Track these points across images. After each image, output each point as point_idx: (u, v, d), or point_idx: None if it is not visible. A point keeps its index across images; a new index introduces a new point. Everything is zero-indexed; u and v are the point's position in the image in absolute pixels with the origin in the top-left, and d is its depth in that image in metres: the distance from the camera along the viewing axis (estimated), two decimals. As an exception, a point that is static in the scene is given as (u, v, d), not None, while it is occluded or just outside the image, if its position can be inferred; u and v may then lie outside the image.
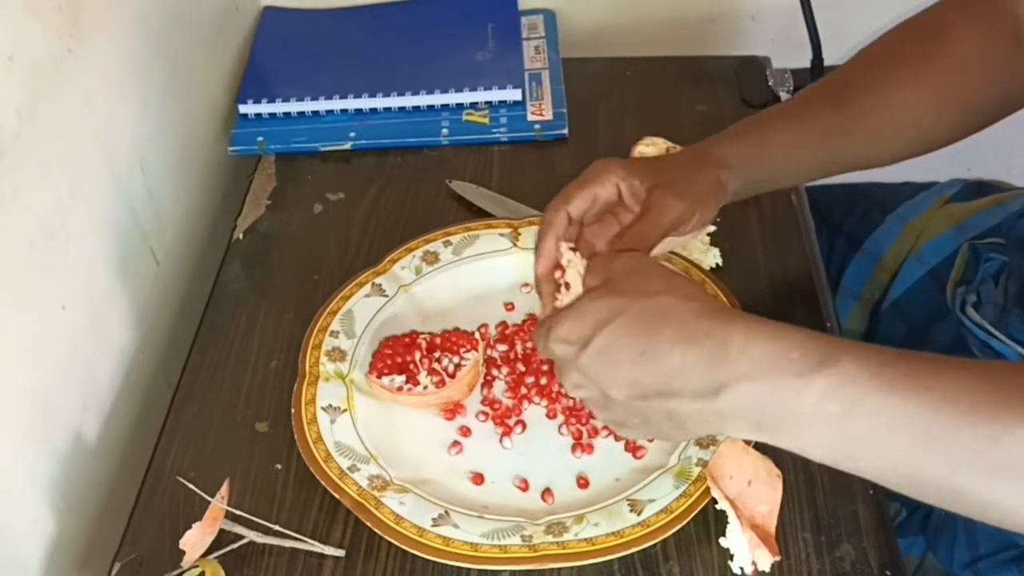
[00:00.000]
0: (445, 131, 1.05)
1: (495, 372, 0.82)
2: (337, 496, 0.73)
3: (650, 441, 0.77)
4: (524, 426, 0.79)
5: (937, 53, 0.79)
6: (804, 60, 1.10)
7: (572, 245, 0.70)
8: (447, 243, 0.90)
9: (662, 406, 0.60)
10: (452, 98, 1.06)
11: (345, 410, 0.78)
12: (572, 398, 0.79)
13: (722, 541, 0.71)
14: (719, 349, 0.57)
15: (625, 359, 0.60)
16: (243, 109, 1.06)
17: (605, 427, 0.78)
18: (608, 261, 0.65)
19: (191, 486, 0.74)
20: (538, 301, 0.79)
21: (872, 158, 0.81)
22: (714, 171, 0.75)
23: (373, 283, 0.87)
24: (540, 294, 0.71)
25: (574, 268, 0.68)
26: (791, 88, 1.08)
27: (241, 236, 0.96)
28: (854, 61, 0.82)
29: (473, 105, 1.07)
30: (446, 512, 0.72)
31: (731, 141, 0.78)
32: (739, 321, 0.58)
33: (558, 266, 0.69)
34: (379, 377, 0.79)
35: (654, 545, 0.70)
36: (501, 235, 0.90)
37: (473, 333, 0.84)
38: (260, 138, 1.05)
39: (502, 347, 0.84)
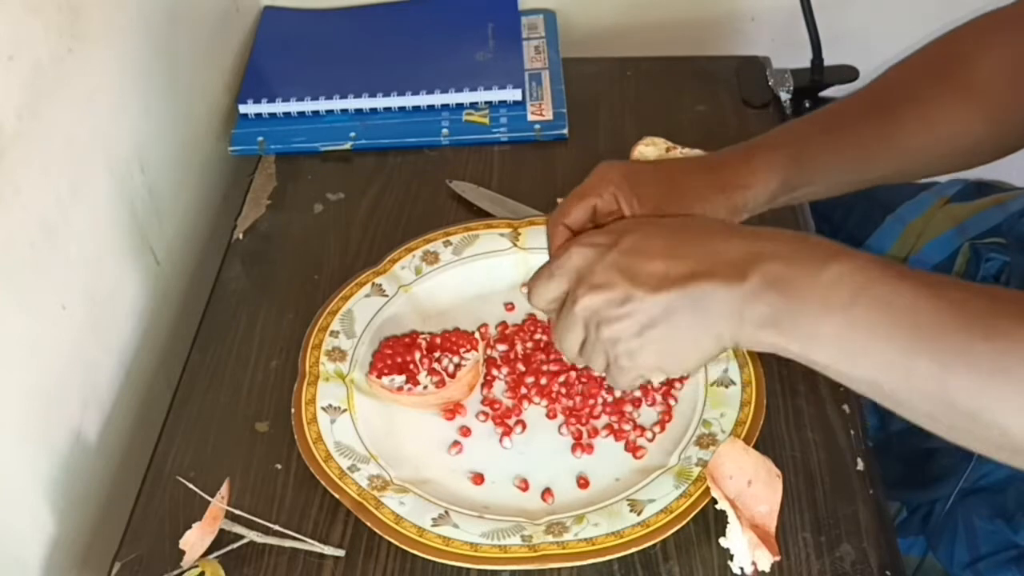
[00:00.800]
0: (445, 131, 1.05)
1: (495, 372, 0.82)
2: (337, 496, 0.73)
3: (650, 391, 0.79)
4: (524, 426, 0.79)
5: (972, 74, 0.77)
6: (804, 60, 1.10)
7: None
8: (447, 243, 0.90)
9: (690, 293, 0.61)
10: (452, 98, 1.06)
11: (345, 410, 0.78)
12: (572, 398, 0.79)
13: (722, 541, 0.71)
14: (751, 235, 0.62)
15: (657, 249, 0.63)
16: (243, 109, 1.06)
17: (606, 413, 0.78)
18: (614, 224, 0.67)
19: (191, 486, 0.74)
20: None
21: (904, 170, 0.80)
22: (730, 196, 0.73)
23: (373, 283, 0.87)
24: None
25: None
26: (791, 88, 1.08)
27: (241, 236, 0.96)
28: (890, 76, 0.80)
29: (473, 105, 1.07)
30: (446, 512, 0.72)
31: (755, 162, 0.75)
32: (766, 226, 0.64)
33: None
34: (379, 377, 0.79)
35: (654, 545, 0.70)
36: (501, 235, 0.90)
37: (473, 333, 0.84)
38: (260, 138, 1.05)
39: (502, 347, 0.84)
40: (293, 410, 0.78)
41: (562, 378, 0.81)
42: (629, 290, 0.62)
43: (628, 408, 0.79)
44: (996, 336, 0.54)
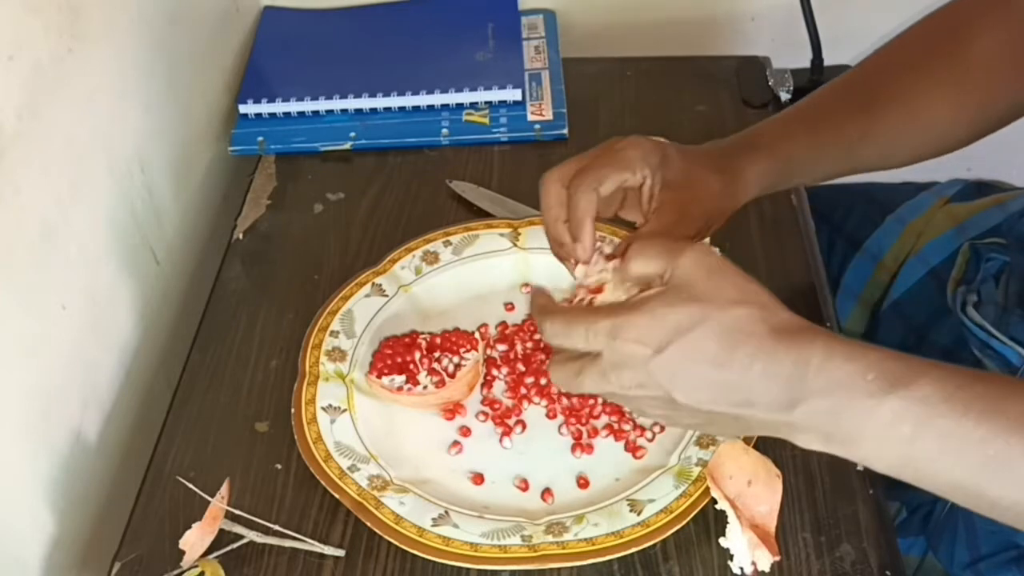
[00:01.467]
0: (445, 131, 1.05)
1: (495, 372, 0.82)
2: (337, 496, 0.73)
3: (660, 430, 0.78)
4: (524, 426, 0.79)
5: (959, 55, 0.78)
6: (804, 60, 1.10)
7: (609, 254, 0.67)
8: (447, 243, 0.90)
9: (733, 413, 0.59)
10: (452, 98, 1.06)
11: (345, 410, 0.78)
12: (572, 399, 0.79)
13: (722, 541, 0.71)
14: (798, 365, 0.57)
15: (703, 370, 0.58)
16: (243, 109, 1.06)
17: (611, 412, 0.78)
18: (671, 253, 0.60)
19: (191, 486, 0.74)
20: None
21: (886, 160, 0.81)
22: (730, 193, 0.75)
23: (373, 283, 0.87)
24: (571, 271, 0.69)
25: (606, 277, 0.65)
26: (791, 88, 1.08)
27: (241, 236, 0.96)
28: (874, 63, 0.81)
29: (473, 105, 1.07)
30: (446, 512, 0.72)
31: (751, 156, 0.76)
32: (818, 339, 0.58)
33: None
34: (379, 377, 0.79)
35: (654, 545, 0.70)
36: (501, 235, 0.90)
37: (473, 333, 0.84)
38: (260, 138, 1.05)
39: (502, 347, 0.84)
40: (293, 410, 0.78)
41: (562, 378, 0.81)
42: (670, 396, 0.59)
43: (628, 408, 0.79)
44: None
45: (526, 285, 0.89)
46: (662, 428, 0.78)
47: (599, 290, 0.65)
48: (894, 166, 0.82)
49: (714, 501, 0.71)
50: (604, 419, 0.79)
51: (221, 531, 0.72)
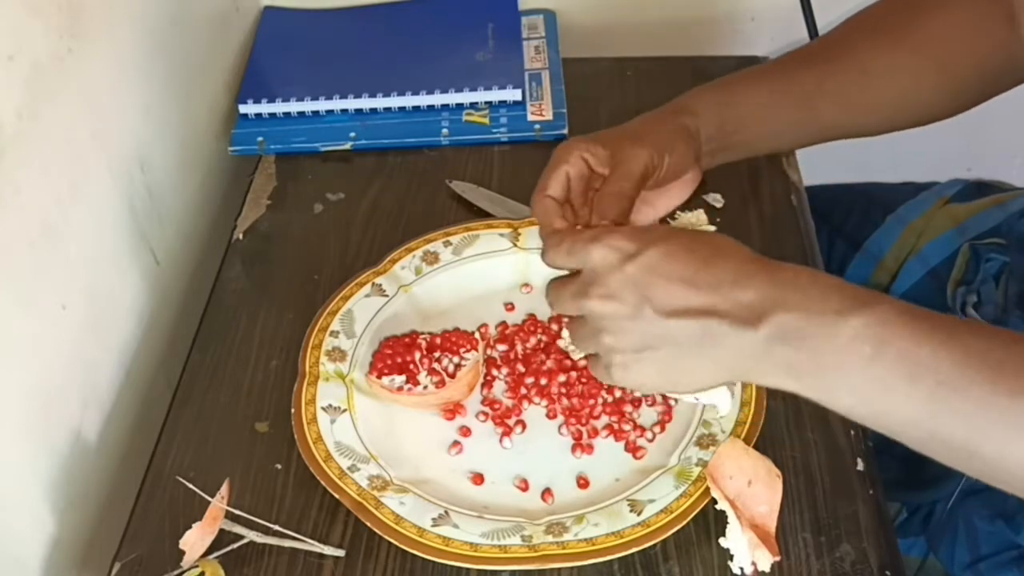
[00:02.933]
0: (445, 131, 1.05)
1: (495, 372, 0.82)
2: (337, 496, 0.73)
3: (649, 402, 0.78)
4: (524, 426, 0.79)
5: (920, 22, 0.78)
6: (804, 60, 1.10)
7: None
8: (447, 243, 0.90)
9: (700, 326, 0.60)
10: (452, 98, 1.06)
11: (345, 410, 0.78)
12: (572, 399, 0.79)
13: (722, 541, 0.71)
14: (769, 278, 0.60)
15: (677, 274, 0.61)
16: (243, 109, 1.06)
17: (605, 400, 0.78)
18: (642, 231, 0.65)
19: (191, 486, 0.74)
20: (537, 301, 0.79)
21: (857, 126, 0.81)
22: (676, 117, 0.75)
23: (373, 283, 0.87)
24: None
25: None
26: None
27: (241, 236, 0.96)
28: (837, 27, 0.81)
29: (473, 105, 1.07)
30: (446, 512, 0.72)
31: (697, 91, 0.78)
32: (786, 264, 0.61)
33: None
34: (379, 377, 0.79)
35: (654, 545, 0.70)
36: (501, 235, 0.90)
37: (473, 333, 0.84)
38: (260, 138, 1.05)
39: (502, 347, 0.84)
40: (293, 410, 0.78)
41: (562, 378, 0.81)
42: (639, 307, 0.61)
43: (628, 408, 0.79)
44: (1020, 392, 0.54)
45: (526, 285, 0.89)
46: (662, 428, 0.78)
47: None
48: (868, 132, 0.81)
49: (714, 501, 0.72)
50: (604, 419, 0.79)
51: (221, 531, 0.72)
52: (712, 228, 0.88)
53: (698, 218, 0.89)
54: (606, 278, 0.62)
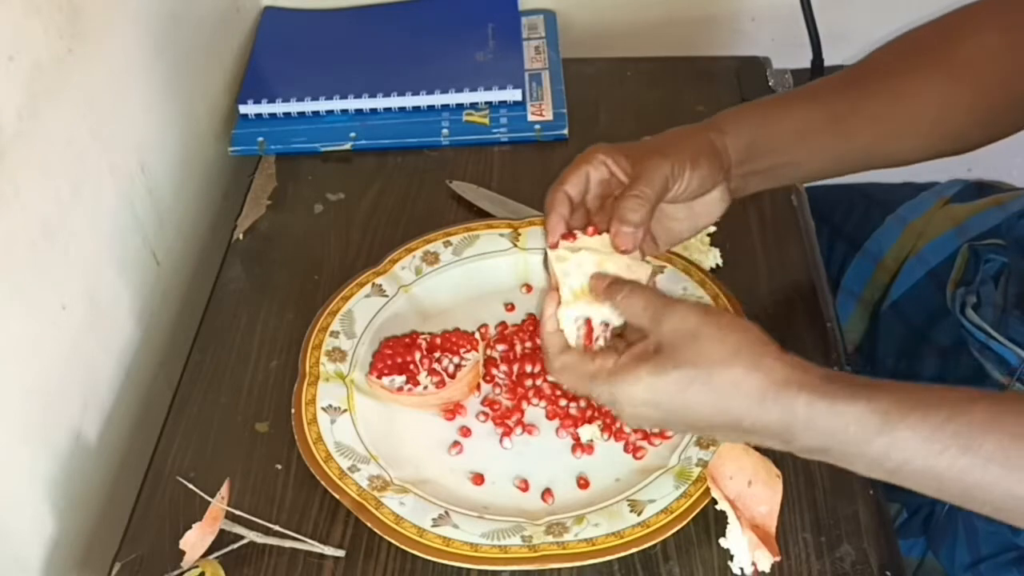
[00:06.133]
0: (445, 131, 1.05)
1: (495, 372, 0.82)
2: (337, 496, 0.73)
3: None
4: (524, 426, 0.79)
5: (953, 48, 0.78)
6: (804, 60, 1.10)
7: (577, 233, 0.71)
8: (447, 243, 0.90)
9: (723, 436, 0.69)
10: (452, 98, 1.06)
11: (345, 410, 0.78)
12: (571, 400, 0.79)
13: (722, 541, 0.71)
14: (783, 421, 0.62)
15: (699, 422, 0.64)
16: (243, 109, 1.06)
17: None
18: (654, 318, 0.65)
19: (191, 486, 0.74)
20: (537, 301, 0.79)
21: (890, 152, 0.80)
22: (703, 133, 0.75)
23: (373, 283, 0.87)
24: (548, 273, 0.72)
25: (574, 262, 0.69)
26: (791, 88, 1.08)
27: (241, 236, 0.96)
28: (872, 53, 0.81)
29: (473, 105, 1.07)
30: (446, 512, 0.72)
31: (728, 111, 0.78)
32: (801, 394, 0.61)
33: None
34: (379, 377, 0.79)
35: (654, 545, 0.70)
36: (501, 235, 0.90)
37: (473, 333, 0.84)
38: (260, 138, 1.05)
39: (502, 347, 0.84)
40: (293, 410, 0.78)
41: (562, 378, 0.81)
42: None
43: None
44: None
45: (526, 285, 0.89)
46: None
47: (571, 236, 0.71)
48: (901, 162, 0.80)
49: (714, 501, 0.72)
50: (600, 422, 0.79)
51: (221, 531, 0.72)
52: (712, 228, 0.88)
53: None
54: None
